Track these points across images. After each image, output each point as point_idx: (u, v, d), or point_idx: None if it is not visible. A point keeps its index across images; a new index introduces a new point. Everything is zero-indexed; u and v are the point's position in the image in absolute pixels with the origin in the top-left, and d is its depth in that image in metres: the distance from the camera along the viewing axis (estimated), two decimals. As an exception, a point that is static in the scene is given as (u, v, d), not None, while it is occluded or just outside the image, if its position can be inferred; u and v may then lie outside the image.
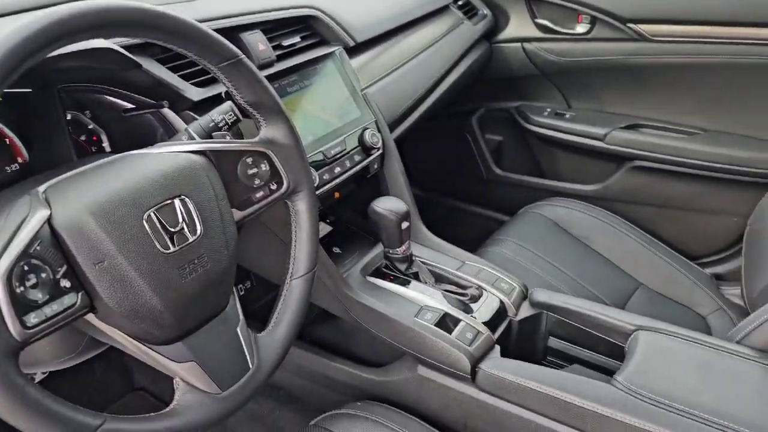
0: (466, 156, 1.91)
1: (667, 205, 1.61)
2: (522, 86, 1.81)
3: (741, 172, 1.47)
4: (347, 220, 1.23)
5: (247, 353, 0.70)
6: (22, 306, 0.52)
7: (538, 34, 1.69)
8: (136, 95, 0.91)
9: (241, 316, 0.71)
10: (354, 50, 1.22)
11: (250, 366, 0.70)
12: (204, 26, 0.67)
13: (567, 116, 1.72)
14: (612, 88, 1.69)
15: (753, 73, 1.47)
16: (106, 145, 0.95)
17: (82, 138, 0.94)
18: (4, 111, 0.83)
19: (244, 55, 0.72)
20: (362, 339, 1.11)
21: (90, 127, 0.94)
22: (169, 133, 0.90)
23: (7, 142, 0.85)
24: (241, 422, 1.32)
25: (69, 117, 0.91)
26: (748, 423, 0.77)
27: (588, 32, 1.62)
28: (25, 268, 0.53)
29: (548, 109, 1.75)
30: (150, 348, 0.63)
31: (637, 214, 1.61)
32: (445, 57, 1.50)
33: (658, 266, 1.43)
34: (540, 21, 1.69)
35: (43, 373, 1.27)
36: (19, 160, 0.86)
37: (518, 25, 1.73)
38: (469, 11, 1.69)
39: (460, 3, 1.67)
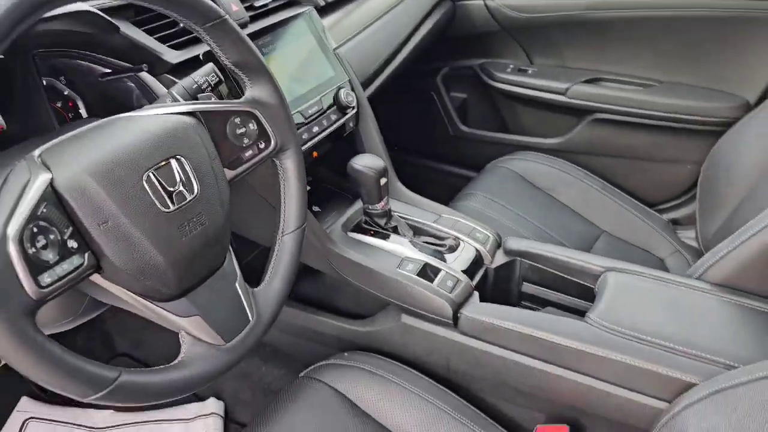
0: (433, 114, 1.94)
1: (626, 155, 1.68)
2: (485, 44, 1.83)
3: (694, 121, 1.54)
4: (323, 179, 1.26)
5: (246, 306, 0.73)
6: (35, 266, 0.54)
7: (500, -9, 1.72)
8: (113, 59, 0.91)
9: (239, 272, 0.74)
10: (323, 10, 1.23)
11: (250, 318, 0.73)
12: None
13: (529, 72, 1.76)
14: (572, 43, 1.73)
15: (704, 25, 1.53)
16: (82, 111, 0.95)
17: (58, 104, 0.93)
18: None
19: (228, 15, 0.73)
20: (346, 293, 1.14)
21: (66, 93, 0.94)
22: (148, 96, 0.91)
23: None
24: (228, 380, 1.35)
25: (44, 83, 0.90)
26: (709, 349, 0.84)
27: (547, -12, 1.65)
28: (35, 230, 0.54)
29: (511, 66, 1.79)
30: (156, 304, 0.65)
31: (598, 165, 1.67)
32: (410, 16, 1.51)
33: (618, 213, 1.50)
34: (501, -23, 1.72)
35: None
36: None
37: (479, -17, 1.75)
38: (433, -31, 1.69)
39: (423, -39, 1.67)
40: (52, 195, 0.57)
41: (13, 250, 0.52)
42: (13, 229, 0.53)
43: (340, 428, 0.92)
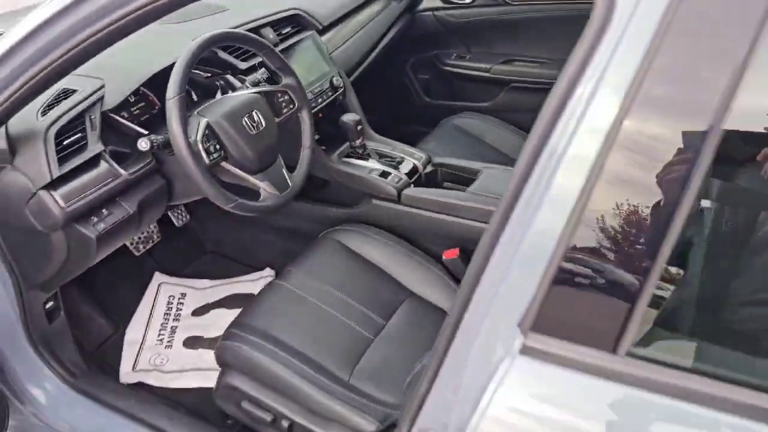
0: (405, 92, 2.77)
1: (533, 110, 2.48)
2: (436, 40, 2.65)
3: (570, 85, 2.34)
4: (326, 130, 2.09)
5: (288, 180, 1.57)
6: (207, 153, 1.38)
7: (442, 5, 2.54)
8: (211, 67, 1.76)
9: (283, 164, 1.58)
10: (322, 30, 2.06)
11: (290, 184, 1.57)
12: (260, 38, 1.52)
13: (467, 58, 2.58)
14: (494, 36, 2.55)
15: (574, 21, 2.33)
16: (193, 95, 1.80)
17: (184, 93, 1.78)
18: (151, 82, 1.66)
19: (272, 46, 1.57)
20: (342, 192, 1.97)
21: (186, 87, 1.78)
22: (230, 86, 1.75)
23: (150, 98, 1.69)
24: (277, 257, 2.20)
25: (178, 82, 1.75)
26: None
27: (473, 1, 2.47)
28: (205, 140, 1.39)
29: (455, 54, 2.61)
30: (249, 176, 1.49)
31: (514, 119, 2.47)
32: (380, 27, 2.33)
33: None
34: (443, -4, 2.54)
35: (147, 247, 2.13)
36: (157, 107, 1.71)
37: (429, 0, 2.58)
38: (395, -6, 2.51)
39: (388, -11, 2.49)
40: (210, 126, 1.41)
41: (200, 147, 1.37)
42: (199, 138, 1.38)
43: (343, 264, 1.74)
